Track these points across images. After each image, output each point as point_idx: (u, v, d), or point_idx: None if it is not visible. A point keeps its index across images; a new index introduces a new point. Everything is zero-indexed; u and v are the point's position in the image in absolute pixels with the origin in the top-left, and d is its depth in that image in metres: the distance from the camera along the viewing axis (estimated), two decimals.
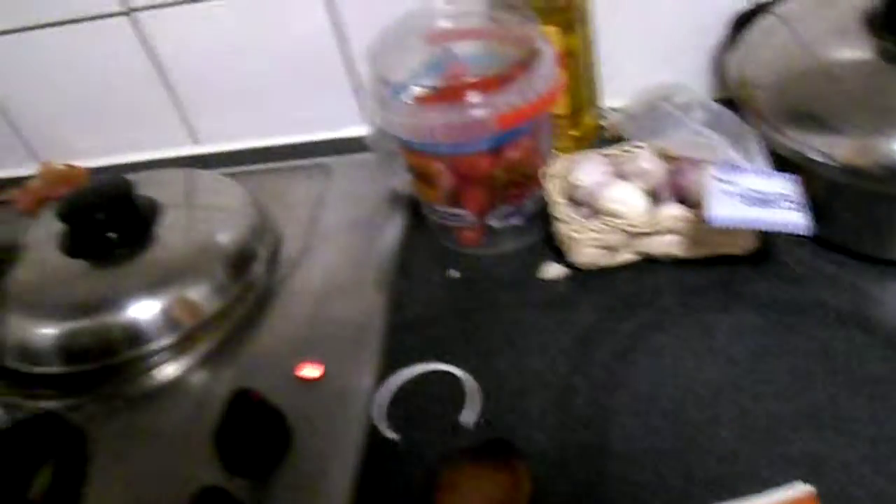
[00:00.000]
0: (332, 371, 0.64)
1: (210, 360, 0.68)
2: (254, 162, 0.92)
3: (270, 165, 0.90)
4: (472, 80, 0.64)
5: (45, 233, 0.77)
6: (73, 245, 0.74)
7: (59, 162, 0.98)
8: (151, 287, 0.70)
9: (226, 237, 0.74)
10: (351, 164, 0.87)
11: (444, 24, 0.70)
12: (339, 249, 0.76)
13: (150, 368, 0.68)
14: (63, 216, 0.73)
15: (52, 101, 0.95)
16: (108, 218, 0.73)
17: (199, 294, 0.70)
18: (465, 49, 0.70)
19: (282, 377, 0.63)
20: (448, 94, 0.64)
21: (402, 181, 0.75)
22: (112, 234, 0.73)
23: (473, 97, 0.62)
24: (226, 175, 0.82)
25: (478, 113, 0.62)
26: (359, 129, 0.92)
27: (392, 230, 0.77)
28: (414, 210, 0.77)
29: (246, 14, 0.85)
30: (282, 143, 0.94)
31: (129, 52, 0.88)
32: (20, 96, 0.96)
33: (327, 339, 0.67)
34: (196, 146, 0.97)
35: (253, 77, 0.90)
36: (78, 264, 0.73)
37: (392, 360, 0.63)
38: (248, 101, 0.92)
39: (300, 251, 0.77)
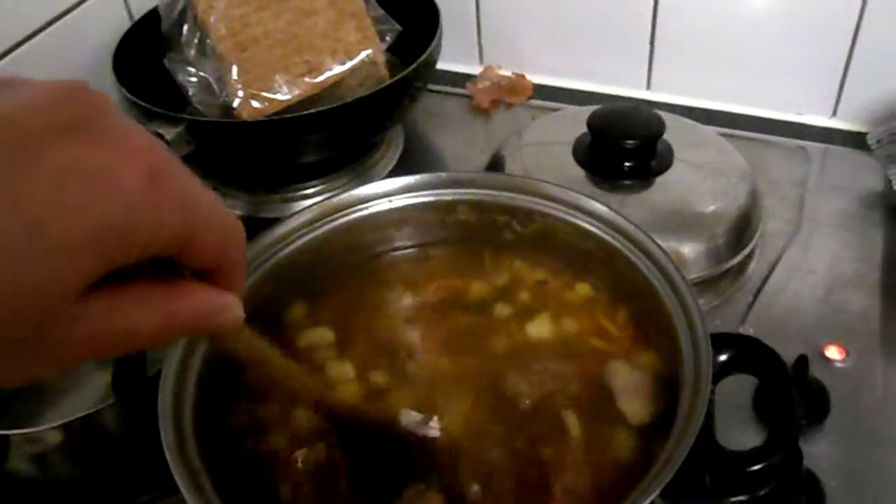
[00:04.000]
0: (854, 358, 0.65)
1: None
2: (705, 122, 0.92)
3: (739, 133, 0.89)
4: None
5: (555, 133, 0.81)
6: (589, 156, 0.77)
7: (500, 69, 1.02)
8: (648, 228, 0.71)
9: (727, 202, 0.74)
10: (826, 153, 0.87)
11: None
12: (832, 238, 0.76)
13: None
14: (593, 128, 0.75)
15: (523, 11, 0.98)
16: (635, 149, 0.75)
17: (692, 252, 0.71)
18: None
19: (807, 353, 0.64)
20: None
21: None
22: (628, 164, 0.76)
23: None
24: None
25: None
26: (828, 120, 0.92)
27: (884, 231, 0.77)
28: None
29: None
30: (746, 112, 0.93)
31: None
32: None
33: (842, 327, 0.68)
34: (647, 92, 0.98)
35: (735, 39, 0.90)
36: (581, 174, 0.76)
37: None
38: (720, 61, 0.92)
39: (790, 232, 0.77)
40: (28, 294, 0.25)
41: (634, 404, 0.49)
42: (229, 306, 0.33)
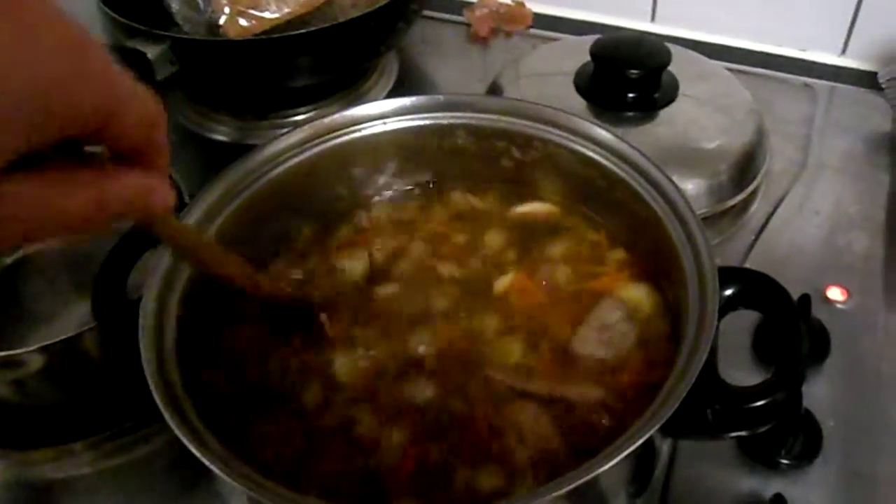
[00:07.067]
0: (856, 300, 0.63)
1: None
2: (711, 57, 0.89)
3: (745, 69, 0.86)
4: None
5: (555, 62, 0.78)
6: (591, 86, 0.75)
7: None
8: None
9: (731, 138, 0.72)
10: (834, 92, 0.84)
11: None
12: (837, 179, 0.74)
13: None
14: (597, 56, 0.73)
15: None
16: (640, 79, 0.72)
17: (694, 188, 0.69)
18: None
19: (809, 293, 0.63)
20: None
21: None
22: (632, 95, 0.73)
23: None
24: None
25: None
26: (837, 58, 0.89)
27: (890, 173, 0.75)
28: None
29: None
30: (753, 48, 0.90)
31: None
32: None
33: (844, 268, 0.66)
34: (651, 24, 0.95)
35: None
36: (583, 104, 0.74)
37: None
38: None
39: (796, 170, 0.75)
40: None
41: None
42: (159, 188, 0.33)
